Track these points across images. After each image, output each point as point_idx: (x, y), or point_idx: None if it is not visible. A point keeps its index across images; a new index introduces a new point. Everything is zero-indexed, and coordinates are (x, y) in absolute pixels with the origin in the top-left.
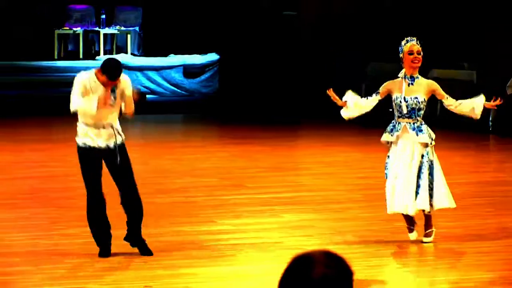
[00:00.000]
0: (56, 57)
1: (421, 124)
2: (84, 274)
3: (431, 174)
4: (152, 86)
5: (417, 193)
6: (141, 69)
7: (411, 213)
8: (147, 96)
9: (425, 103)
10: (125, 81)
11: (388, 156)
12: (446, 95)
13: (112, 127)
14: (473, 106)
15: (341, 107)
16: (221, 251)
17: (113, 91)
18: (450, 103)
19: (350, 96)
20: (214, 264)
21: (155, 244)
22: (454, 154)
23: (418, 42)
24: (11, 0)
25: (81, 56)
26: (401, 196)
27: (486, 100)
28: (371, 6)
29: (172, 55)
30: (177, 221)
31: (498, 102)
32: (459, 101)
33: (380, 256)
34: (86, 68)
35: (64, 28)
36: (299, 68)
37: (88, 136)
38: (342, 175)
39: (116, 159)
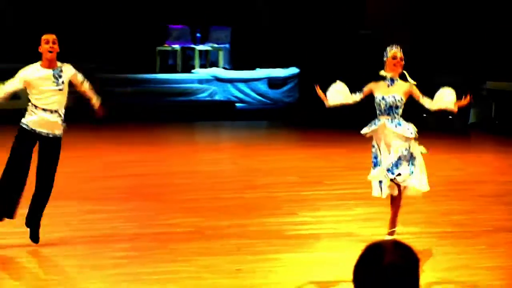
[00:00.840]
0: (157, 70)
1: (400, 120)
2: (182, 258)
3: (411, 163)
4: (241, 95)
5: (397, 165)
6: (231, 81)
7: (390, 177)
8: (236, 104)
9: (402, 102)
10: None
11: (373, 146)
12: (421, 95)
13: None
14: (443, 98)
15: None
16: (302, 239)
17: (59, 76)
18: (425, 102)
19: (338, 84)
20: (295, 251)
21: (246, 233)
22: None
23: (401, 50)
24: (123, 22)
25: (179, 70)
26: (382, 167)
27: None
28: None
29: (258, 68)
30: (263, 214)
31: (467, 100)
32: (432, 100)
33: (442, 245)
34: (183, 80)
35: (165, 45)
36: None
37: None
38: None
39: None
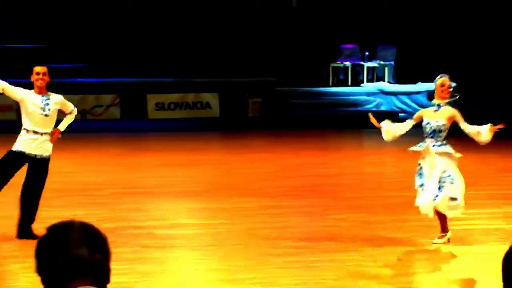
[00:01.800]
0: (330, 84)
1: (442, 144)
2: (348, 249)
3: (451, 182)
4: (403, 106)
5: (436, 195)
6: (395, 93)
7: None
8: (399, 114)
9: (446, 127)
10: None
11: (419, 164)
12: (462, 120)
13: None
14: (479, 131)
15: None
16: (455, 234)
17: (47, 104)
18: (463, 127)
19: (387, 124)
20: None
21: (405, 227)
22: None
23: (449, 78)
24: (301, 41)
25: (349, 84)
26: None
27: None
28: None
29: (419, 82)
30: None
31: (499, 126)
32: (471, 127)
33: None
34: (352, 93)
35: (337, 62)
36: None
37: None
38: None
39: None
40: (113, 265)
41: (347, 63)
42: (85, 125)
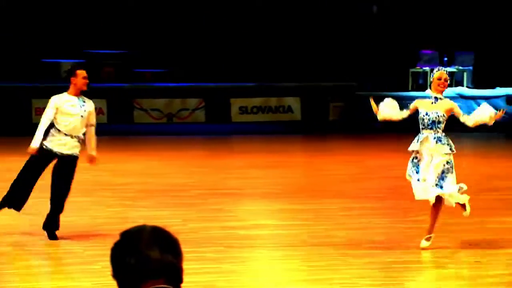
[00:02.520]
0: (409, 88)
1: (441, 135)
2: (426, 250)
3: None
4: None
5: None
6: (473, 98)
7: (437, 192)
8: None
9: (444, 118)
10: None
11: (412, 160)
12: (462, 113)
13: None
14: (480, 113)
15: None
16: None
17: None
18: (465, 119)
19: (390, 100)
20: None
21: (483, 230)
22: None
23: (447, 71)
24: (382, 47)
25: (428, 89)
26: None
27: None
28: None
29: (498, 87)
30: (500, 213)
31: (502, 112)
32: (471, 116)
33: None
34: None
35: (416, 67)
36: None
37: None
38: None
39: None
40: (197, 265)
41: (426, 68)
42: (171, 128)
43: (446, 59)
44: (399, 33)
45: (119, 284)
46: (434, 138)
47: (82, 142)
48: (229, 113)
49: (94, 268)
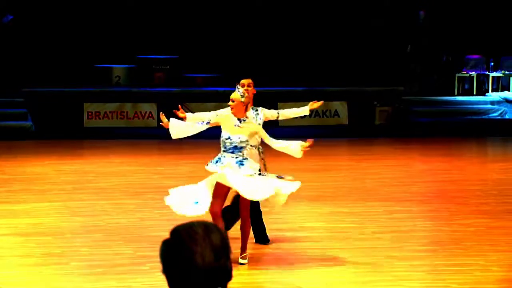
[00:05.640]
0: (456, 93)
1: (243, 159)
2: (474, 253)
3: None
4: None
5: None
6: None
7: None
8: None
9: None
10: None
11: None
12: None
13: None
14: (287, 146)
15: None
16: None
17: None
18: (270, 142)
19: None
20: None
21: None
22: None
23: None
24: (428, 53)
25: (474, 93)
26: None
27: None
28: None
29: None
30: None
31: (308, 144)
32: (278, 141)
33: None
34: (477, 102)
35: (462, 72)
36: None
37: None
38: None
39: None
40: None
41: (472, 73)
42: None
43: (492, 63)
44: (445, 38)
45: (168, 281)
46: (237, 162)
47: None
48: None
49: (143, 269)
